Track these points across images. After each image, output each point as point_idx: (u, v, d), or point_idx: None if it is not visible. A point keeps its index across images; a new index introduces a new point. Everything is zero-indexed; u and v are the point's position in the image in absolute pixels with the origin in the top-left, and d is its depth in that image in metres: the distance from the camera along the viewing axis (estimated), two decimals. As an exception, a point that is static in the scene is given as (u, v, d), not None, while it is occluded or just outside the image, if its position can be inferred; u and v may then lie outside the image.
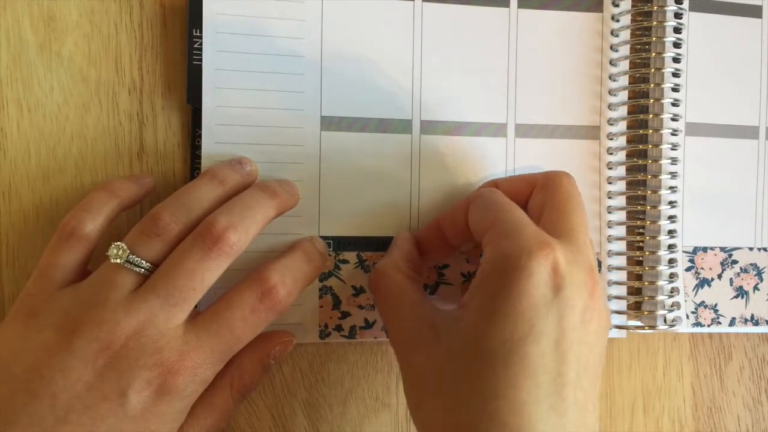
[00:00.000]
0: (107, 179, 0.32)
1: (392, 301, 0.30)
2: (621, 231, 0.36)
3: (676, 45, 0.36)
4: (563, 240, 0.27)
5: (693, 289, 0.37)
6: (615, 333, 0.36)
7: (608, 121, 0.36)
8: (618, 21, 0.36)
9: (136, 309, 0.27)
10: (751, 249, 0.38)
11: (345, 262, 0.34)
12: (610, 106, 0.36)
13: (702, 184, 0.37)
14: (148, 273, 0.28)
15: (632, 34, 0.36)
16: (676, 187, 0.36)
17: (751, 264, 0.38)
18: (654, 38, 0.36)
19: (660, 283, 0.35)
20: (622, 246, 0.36)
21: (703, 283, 0.37)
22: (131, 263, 0.27)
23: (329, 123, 0.34)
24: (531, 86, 0.36)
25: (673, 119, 0.36)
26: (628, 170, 0.36)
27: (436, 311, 0.28)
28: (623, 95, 0.36)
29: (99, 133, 0.33)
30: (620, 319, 0.36)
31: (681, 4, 0.36)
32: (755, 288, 0.38)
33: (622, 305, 0.36)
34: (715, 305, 0.37)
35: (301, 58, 0.33)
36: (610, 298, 0.36)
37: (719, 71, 0.38)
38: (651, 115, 0.36)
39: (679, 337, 0.39)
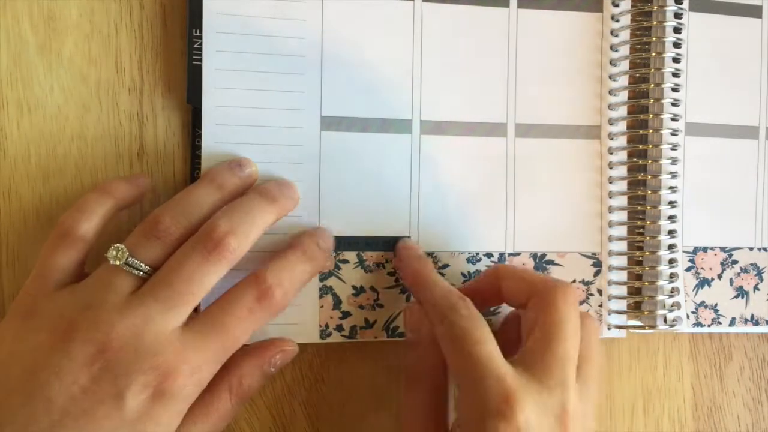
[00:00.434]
0: (103, 180, 0.32)
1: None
2: (622, 231, 0.36)
3: (676, 45, 0.36)
4: (536, 379, 0.27)
5: (693, 289, 0.37)
6: (615, 333, 0.36)
7: (609, 121, 0.36)
8: (618, 21, 0.36)
9: (133, 311, 0.26)
10: (751, 249, 0.38)
11: (345, 262, 0.34)
12: (610, 106, 0.36)
13: (702, 184, 0.37)
14: (147, 276, 0.28)
15: (632, 34, 0.36)
16: (676, 187, 0.36)
17: (751, 264, 0.38)
18: (654, 38, 0.36)
19: (660, 283, 0.35)
20: (622, 246, 0.36)
21: (704, 283, 0.37)
22: (130, 266, 0.27)
23: (329, 123, 0.34)
24: (531, 86, 0.36)
25: (673, 119, 0.36)
26: (629, 170, 0.36)
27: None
28: (623, 95, 0.36)
29: (99, 134, 0.33)
30: (620, 319, 0.36)
31: (681, 4, 0.36)
32: (755, 288, 0.38)
33: (623, 305, 0.36)
34: (715, 305, 0.37)
35: (301, 58, 0.33)
36: (610, 298, 0.36)
37: (719, 71, 0.38)
38: (651, 115, 0.36)
39: (679, 337, 0.39)
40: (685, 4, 0.36)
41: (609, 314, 0.36)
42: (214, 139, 0.32)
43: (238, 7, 0.32)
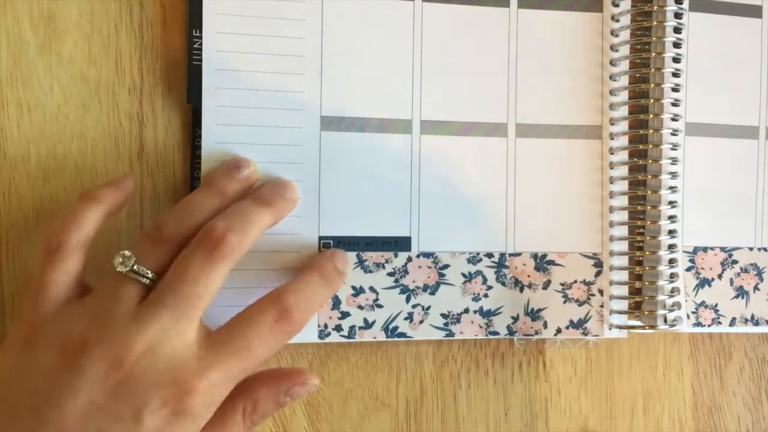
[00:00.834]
0: (88, 188, 0.31)
1: None
2: (623, 231, 0.36)
3: (676, 45, 0.36)
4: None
5: (693, 289, 0.37)
6: (615, 333, 0.36)
7: (610, 121, 0.36)
8: (618, 21, 0.36)
9: (145, 323, 0.26)
10: (751, 249, 0.38)
11: (345, 262, 0.34)
12: (611, 106, 0.36)
13: (702, 184, 0.37)
14: (152, 284, 0.27)
15: (632, 34, 0.36)
16: (676, 187, 0.36)
17: (751, 264, 0.38)
18: (654, 38, 0.36)
19: (660, 283, 0.35)
20: (623, 246, 0.36)
21: (704, 283, 0.37)
22: (136, 273, 0.27)
23: (329, 123, 0.34)
24: (531, 86, 0.36)
25: (673, 119, 0.36)
26: (630, 170, 0.36)
27: None
28: (624, 95, 0.36)
29: (99, 133, 0.33)
30: (621, 319, 0.36)
31: (681, 4, 0.36)
32: (755, 288, 0.38)
33: (623, 305, 0.36)
34: (716, 305, 0.37)
35: (301, 58, 0.33)
36: (611, 298, 0.36)
37: (719, 71, 0.38)
38: (651, 115, 0.36)
39: (679, 337, 0.39)
40: (685, 4, 0.36)
41: (610, 314, 0.36)
42: (214, 139, 0.32)
43: (238, 7, 0.32)
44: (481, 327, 0.35)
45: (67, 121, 0.32)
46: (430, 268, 0.35)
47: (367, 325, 0.34)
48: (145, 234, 0.29)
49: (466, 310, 0.35)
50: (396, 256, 0.34)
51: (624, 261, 0.36)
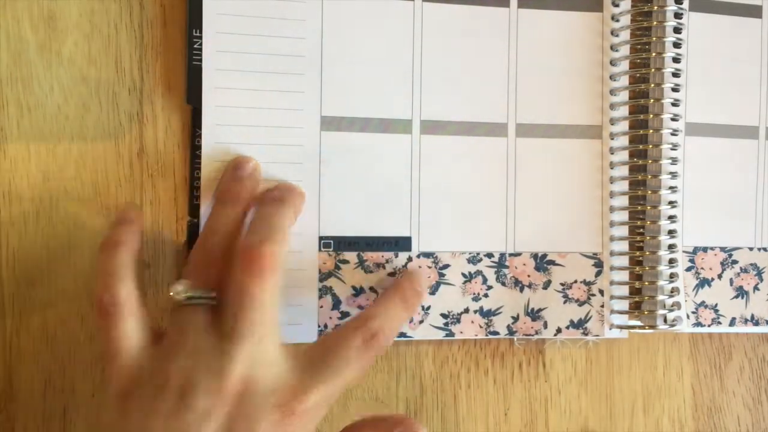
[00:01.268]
0: (107, 235, 0.29)
1: None
2: (623, 231, 0.36)
3: (676, 45, 0.36)
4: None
5: (693, 289, 0.37)
6: (615, 333, 0.36)
7: (610, 121, 0.36)
8: (618, 21, 0.36)
9: (232, 352, 0.26)
10: (751, 249, 0.38)
11: (345, 262, 0.34)
12: (611, 106, 0.36)
13: (702, 184, 0.37)
14: (216, 303, 0.28)
15: (632, 34, 0.36)
16: (676, 187, 0.36)
17: (751, 264, 0.38)
18: (654, 38, 0.36)
19: (660, 282, 0.35)
20: (623, 246, 0.36)
21: (704, 283, 0.37)
22: (197, 297, 0.28)
23: (329, 123, 0.34)
24: (531, 86, 0.36)
25: (673, 119, 0.36)
26: (630, 170, 0.36)
27: None
28: (624, 95, 0.36)
29: (99, 133, 0.32)
30: (620, 319, 0.36)
31: (681, 4, 0.36)
32: (755, 288, 0.38)
33: (623, 305, 0.36)
34: (716, 305, 0.37)
35: (301, 58, 0.33)
36: (612, 298, 0.36)
37: (719, 71, 0.38)
38: (651, 115, 0.36)
39: (679, 337, 0.39)
40: (685, 4, 0.36)
41: (610, 314, 0.36)
42: (214, 139, 0.32)
43: (238, 7, 0.32)
44: (481, 327, 0.35)
45: (67, 121, 0.32)
46: (430, 268, 0.35)
47: (367, 325, 0.34)
48: (185, 267, 0.30)
49: (466, 310, 0.35)
50: (396, 256, 0.34)
51: (624, 261, 0.36)
